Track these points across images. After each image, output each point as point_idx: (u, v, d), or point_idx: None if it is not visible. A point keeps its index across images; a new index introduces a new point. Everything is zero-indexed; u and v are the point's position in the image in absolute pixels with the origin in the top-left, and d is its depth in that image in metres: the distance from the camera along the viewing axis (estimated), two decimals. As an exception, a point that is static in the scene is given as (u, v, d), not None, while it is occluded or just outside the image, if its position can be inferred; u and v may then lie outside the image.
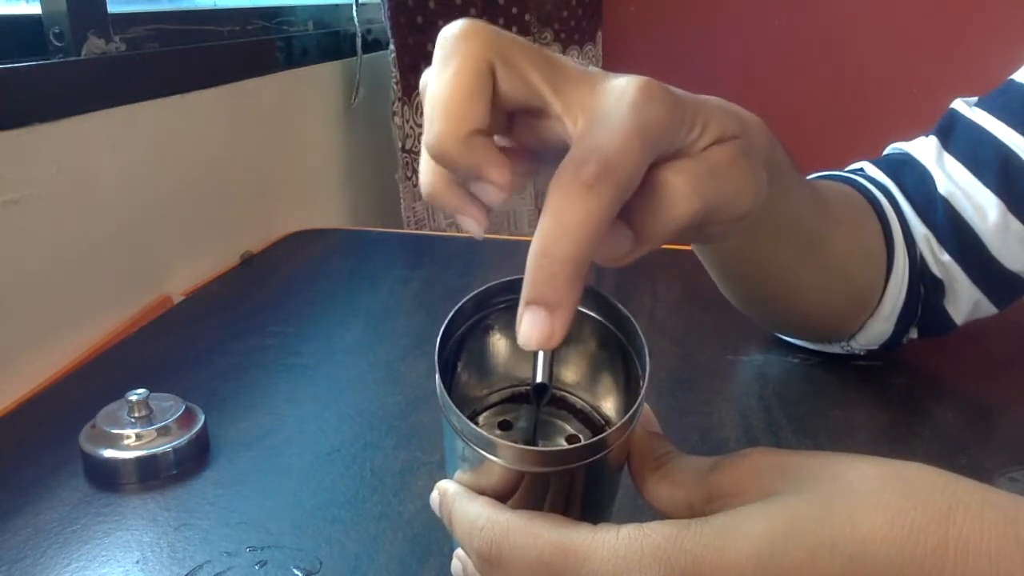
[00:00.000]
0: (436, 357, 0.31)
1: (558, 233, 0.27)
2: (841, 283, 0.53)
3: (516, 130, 0.33)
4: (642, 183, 0.30)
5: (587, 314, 0.33)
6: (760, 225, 0.43)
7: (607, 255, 0.31)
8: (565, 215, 0.27)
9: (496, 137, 0.34)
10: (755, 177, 0.34)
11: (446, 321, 0.32)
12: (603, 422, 0.35)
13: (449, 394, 0.30)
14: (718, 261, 0.52)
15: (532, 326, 0.27)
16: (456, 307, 0.32)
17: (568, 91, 0.30)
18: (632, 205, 0.30)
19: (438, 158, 0.30)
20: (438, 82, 0.30)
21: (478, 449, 0.29)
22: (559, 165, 0.28)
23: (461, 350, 0.34)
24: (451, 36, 0.30)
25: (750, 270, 0.51)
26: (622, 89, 0.30)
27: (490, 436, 0.29)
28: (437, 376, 0.31)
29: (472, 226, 0.32)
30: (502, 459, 0.29)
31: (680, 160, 0.31)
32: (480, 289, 0.33)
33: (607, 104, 0.29)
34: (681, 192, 0.31)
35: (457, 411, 0.29)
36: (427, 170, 0.32)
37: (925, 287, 0.56)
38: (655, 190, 0.31)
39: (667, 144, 0.31)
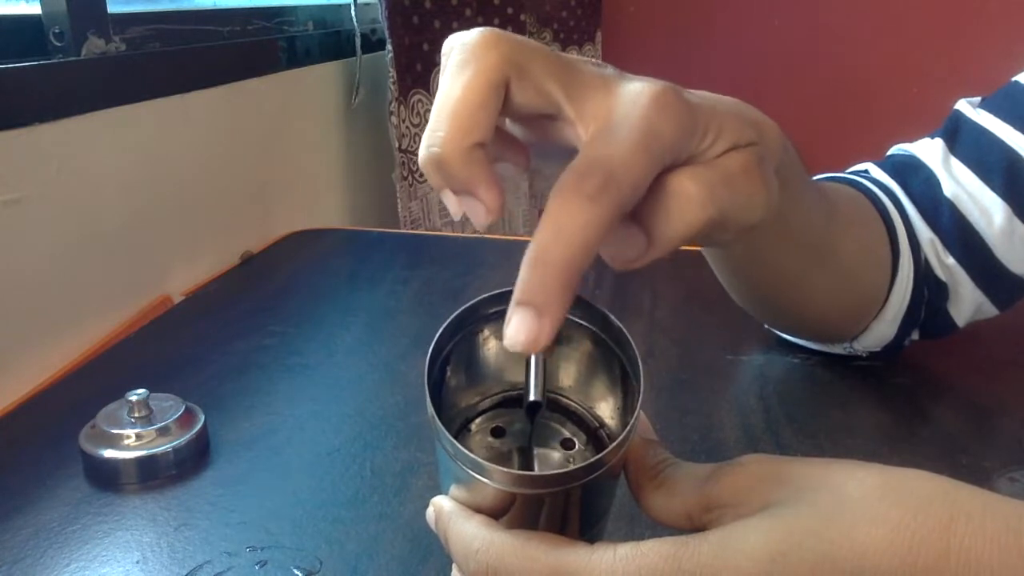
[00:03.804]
0: (425, 379, 0.31)
1: (554, 240, 0.27)
2: (847, 287, 0.53)
3: (527, 126, 0.33)
4: (656, 188, 0.30)
5: (580, 323, 0.33)
6: (769, 231, 0.43)
7: (618, 257, 0.31)
8: (563, 223, 0.27)
9: (507, 122, 0.34)
10: (768, 186, 0.34)
11: (432, 343, 0.32)
12: (598, 424, 0.35)
13: (440, 407, 0.30)
14: (727, 266, 0.52)
15: (519, 327, 0.26)
16: (442, 327, 0.32)
17: (583, 97, 0.30)
18: (645, 209, 0.30)
19: (436, 164, 0.30)
20: (450, 89, 0.30)
21: (472, 472, 0.29)
22: (563, 172, 0.28)
23: (451, 360, 0.34)
24: (469, 43, 0.30)
25: (758, 275, 0.51)
26: (635, 96, 0.29)
27: (483, 462, 0.28)
28: (427, 399, 0.30)
29: (453, 207, 0.31)
30: (497, 483, 0.29)
31: (694, 167, 0.31)
32: (466, 305, 0.32)
33: (619, 111, 0.29)
34: (696, 199, 0.30)
35: (450, 436, 0.29)
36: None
37: (929, 290, 0.56)
38: (668, 196, 0.30)
39: (678, 153, 0.30)
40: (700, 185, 0.31)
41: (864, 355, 0.60)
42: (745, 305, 0.57)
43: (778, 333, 0.64)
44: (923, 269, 0.55)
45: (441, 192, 0.31)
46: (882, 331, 0.57)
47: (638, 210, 0.30)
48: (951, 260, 0.55)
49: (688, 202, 0.30)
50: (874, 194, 0.56)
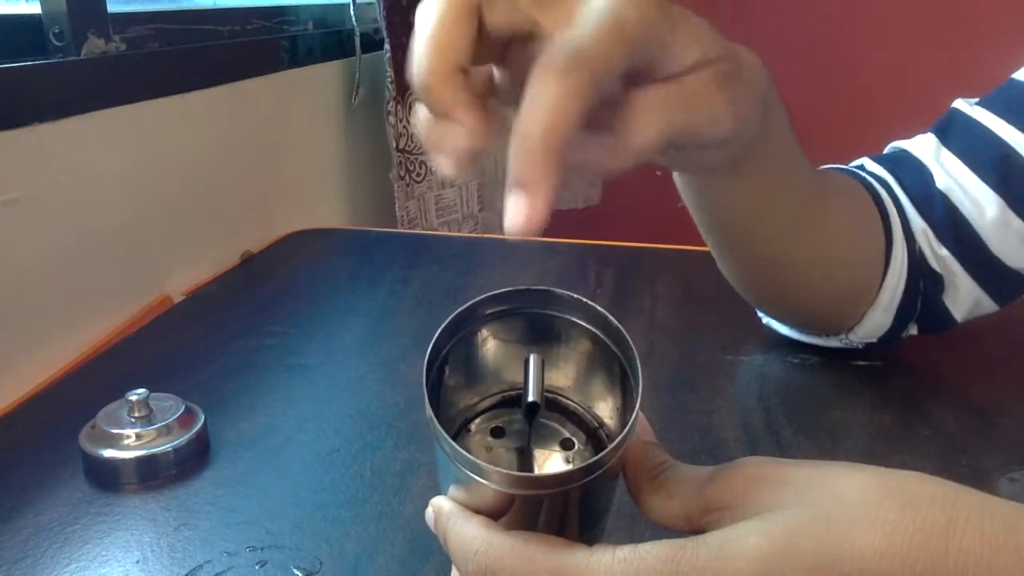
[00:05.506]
0: (424, 380, 0.31)
1: (532, 117, 0.27)
2: (839, 263, 0.54)
3: (512, 58, 0.34)
4: (619, 105, 0.32)
5: (578, 323, 0.33)
6: (753, 166, 0.44)
7: (584, 165, 0.32)
8: (540, 98, 0.28)
9: (493, 68, 0.35)
10: (736, 103, 0.35)
11: (431, 344, 0.32)
12: (597, 424, 0.35)
13: (439, 408, 0.30)
14: (716, 220, 0.51)
15: (514, 211, 0.27)
16: (440, 328, 0.32)
17: (556, 7, 0.32)
18: (607, 122, 0.32)
19: (420, 91, 0.31)
20: (424, 19, 0.31)
21: (470, 474, 0.29)
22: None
23: (449, 360, 0.34)
24: None
25: (744, 225, 0.50)
26: None
27: (482, 463, 0.28)
28: (426, 400, 0.30)
29: (438, 155, 0.32)
30: (495, 484, 0.29)
31: (656, 85, 0.33)
32: (464, 306, 0.32)
33: (590, 7, 0.31)
34: (650, 116, 0.32)
35: (448, 438, 0.29)
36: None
37: (924, 281, 0.56)
38: (625, 111, 0.32)
39: (646, 46, 0.32)
40: (655, 103, 0.32)
41: (861, 347, 0.60)
42: (735, 278, 0.57)
43: (775, 328, 0.63)
44: (917, 259, 0.55)
45: (426, 145, 0.32)
46: (877, 320, 0.57)
47: (602, 122, 0.31)
48: (944, 251, 0.55)
49: (644, 119, 0.32)
50: (869, 183, 0.56)
